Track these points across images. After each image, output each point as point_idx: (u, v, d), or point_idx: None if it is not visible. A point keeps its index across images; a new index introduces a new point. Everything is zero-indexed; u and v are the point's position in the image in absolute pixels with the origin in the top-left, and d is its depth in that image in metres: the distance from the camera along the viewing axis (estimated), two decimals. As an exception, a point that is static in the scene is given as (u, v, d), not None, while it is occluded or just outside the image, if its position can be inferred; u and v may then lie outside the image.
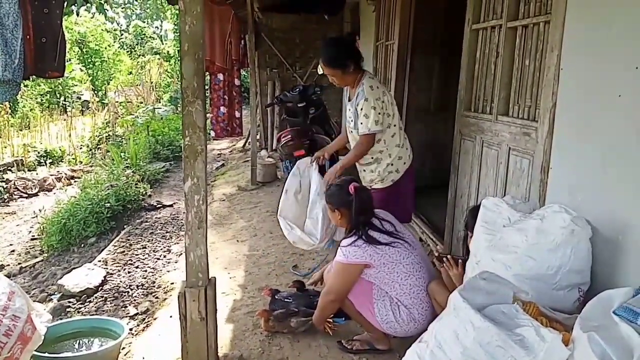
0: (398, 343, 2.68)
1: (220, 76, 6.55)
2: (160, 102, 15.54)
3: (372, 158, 3.19)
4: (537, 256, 1.91)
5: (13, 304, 2.14)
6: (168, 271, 4.30)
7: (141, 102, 15.20)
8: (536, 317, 1.63)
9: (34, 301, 3.98)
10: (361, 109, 3.02)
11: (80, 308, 3.77)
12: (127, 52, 23.44)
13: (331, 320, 2.89)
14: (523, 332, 1.48)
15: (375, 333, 2.67)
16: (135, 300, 3.81)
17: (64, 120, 13.33)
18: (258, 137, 8.26)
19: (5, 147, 10.36)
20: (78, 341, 2.91)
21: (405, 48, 4.84)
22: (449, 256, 2.50)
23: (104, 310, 3.68)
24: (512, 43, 2.76)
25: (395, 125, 3.17)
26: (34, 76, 2.81)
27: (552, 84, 2.30)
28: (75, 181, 8.60)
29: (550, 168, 2.33)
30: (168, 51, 20.17)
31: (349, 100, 3.24)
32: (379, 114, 3.01)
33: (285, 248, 4.21)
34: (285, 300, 3.12)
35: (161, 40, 25.51)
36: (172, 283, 3.95)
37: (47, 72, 2.71)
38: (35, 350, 2.32)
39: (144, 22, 27.20)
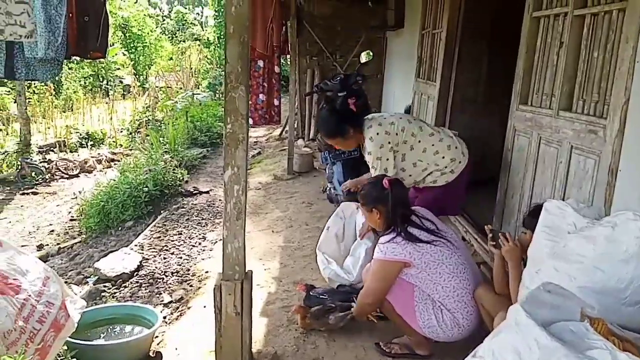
0: (440, 348, 2.54)
1: (261, 63, 6.45)
2: (199, 88, 15.62)
3: (422, 178, 3.21)
4: (606, 267, 1.73)
5: (47, 290, 2.10)
6: (203, 259, 4.25)
7: (180, 88, 15.32)
8: (607, 336, 1.46)
9: (70, 283, 4.01)
10: (370, 162, 3.15)
11: (115, 293, 3.75)
12: (169, 37, 23.68)
13: None
14: (595, 354, 1.32)
15: (416, 337, 2.53)
16: (169, 287, 3.77)
17: (106, 103, 13.57)
18: (295, 126, 8.15)
19: (49, 128, 10.60)
20: (111, 328, 2.88)
21: (454, 37, 4.61)
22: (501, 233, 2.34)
23: (138, 296, 3.66)
24: (579, 33, 2.55)
25: (420, 142, 3.13)
26: (76, 57, 2.77)
27: (625, 78, 2.10)
28: (115, 164, 8.71)
29: (619, 170, 2.13)
30: (208, 38, 20.24)
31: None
32: (387, 159, 3.08)
33: (322, 241, 4.09)
34: (321, 296, 3.01)
35: (202, 27, 25.69)
36: (207, 272, 3.90)
37: (89, 52, 2.67)
38: (68, 337, 2.28)
39: (186, 8, 27.49)
